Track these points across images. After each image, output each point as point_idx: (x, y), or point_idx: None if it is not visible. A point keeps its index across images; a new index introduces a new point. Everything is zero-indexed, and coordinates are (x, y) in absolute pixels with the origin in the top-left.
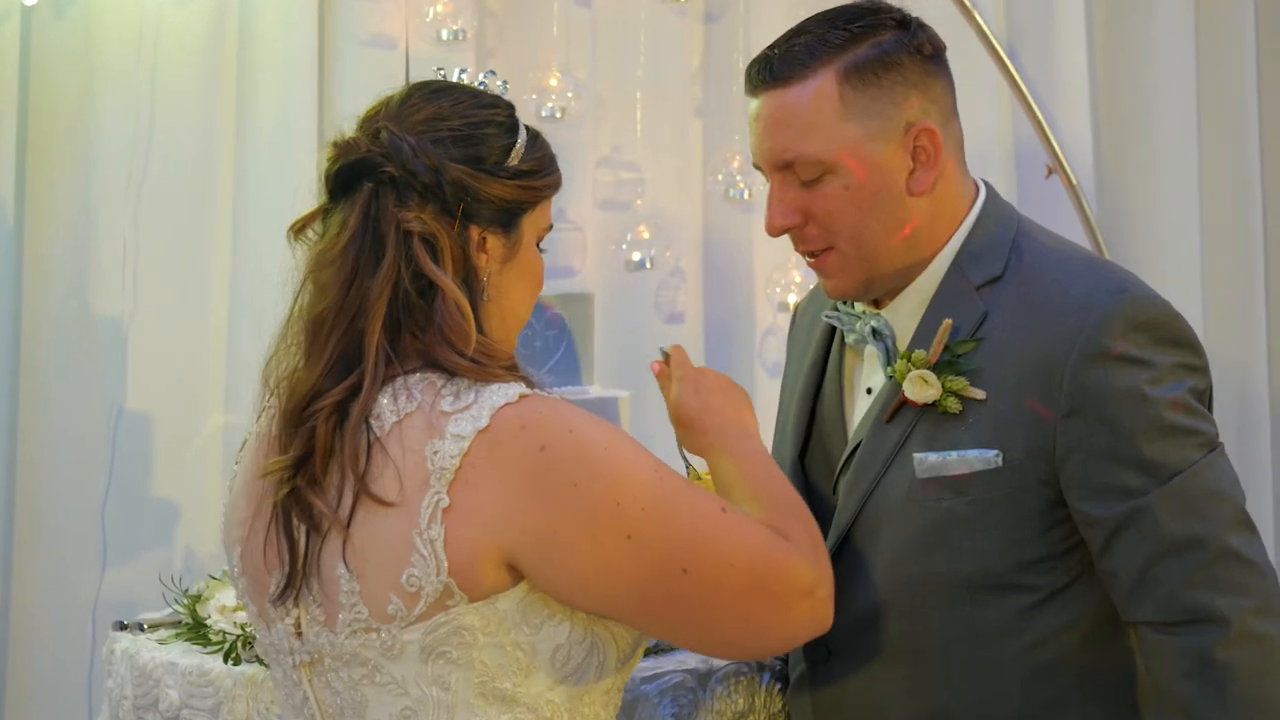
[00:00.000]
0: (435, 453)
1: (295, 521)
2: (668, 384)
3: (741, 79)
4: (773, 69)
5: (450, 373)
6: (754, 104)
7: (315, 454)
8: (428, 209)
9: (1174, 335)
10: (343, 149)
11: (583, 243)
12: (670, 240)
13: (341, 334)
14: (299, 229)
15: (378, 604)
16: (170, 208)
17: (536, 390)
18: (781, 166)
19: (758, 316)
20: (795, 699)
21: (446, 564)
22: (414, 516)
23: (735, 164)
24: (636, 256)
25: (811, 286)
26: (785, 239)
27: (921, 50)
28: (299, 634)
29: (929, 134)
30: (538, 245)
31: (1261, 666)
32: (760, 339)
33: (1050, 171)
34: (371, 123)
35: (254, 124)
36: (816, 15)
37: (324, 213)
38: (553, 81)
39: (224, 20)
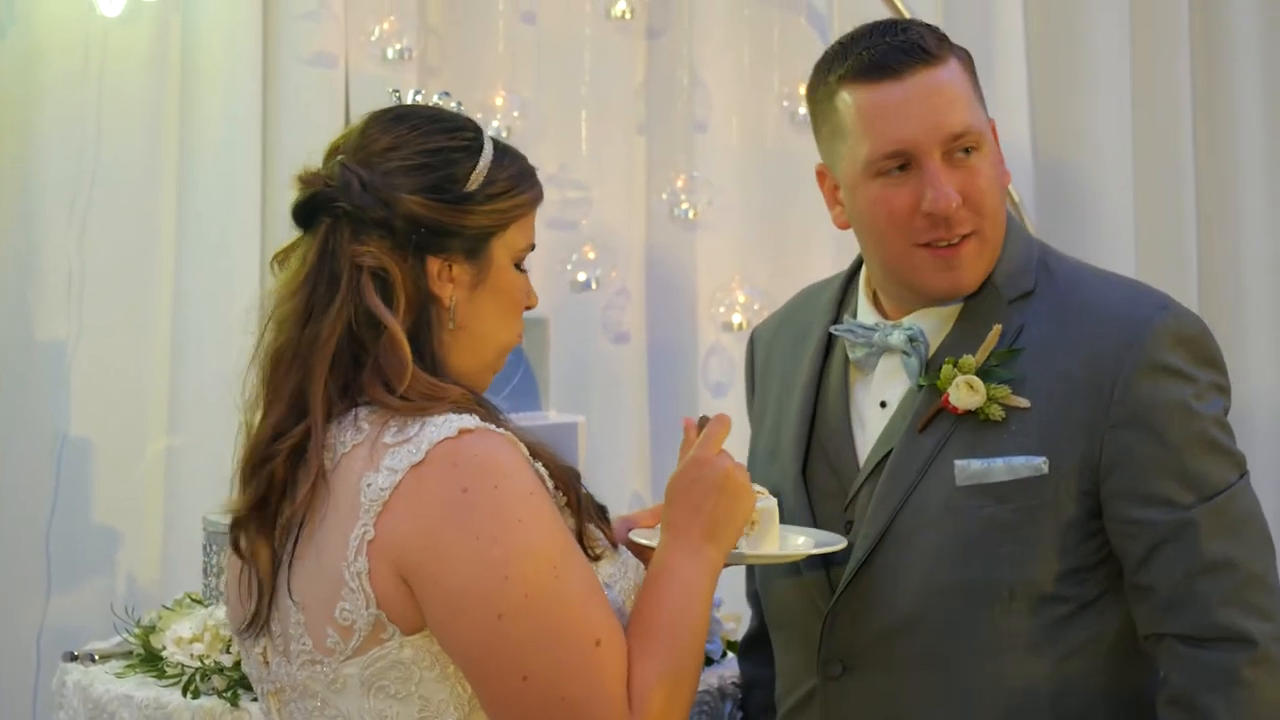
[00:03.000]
0: (368, 485)
1: (259, 558)
2: (685, 451)
3: (684, 96)
4: (924, 48)
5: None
6: (899, 88)
7: (271, 496)
8: (382, 242)
9: (1210, 354)
10: (305, 183)
11: (529, 262)
12: (615, 259)
13: (299, 370)
14: (281, 259)
15: (319, 636)
16: (114, 230)
17: (487, 425)
18: (949, 141)
19: (701, 336)
20: (798, 717)
21: (374, 596)
22: (343, 549)
23: (680, 183)
24: (582, 277)
25: (757, 307)
26: (730, 258)
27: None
28: (266, 663)
29: (995, 134)
30: (518, 266)
31: (1275, 692)
32: (704, 358)
33: None
34: (333, 154)
35: (197, 145)
36: (889, 20)
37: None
38: (498, 100)
39: (167, 41)
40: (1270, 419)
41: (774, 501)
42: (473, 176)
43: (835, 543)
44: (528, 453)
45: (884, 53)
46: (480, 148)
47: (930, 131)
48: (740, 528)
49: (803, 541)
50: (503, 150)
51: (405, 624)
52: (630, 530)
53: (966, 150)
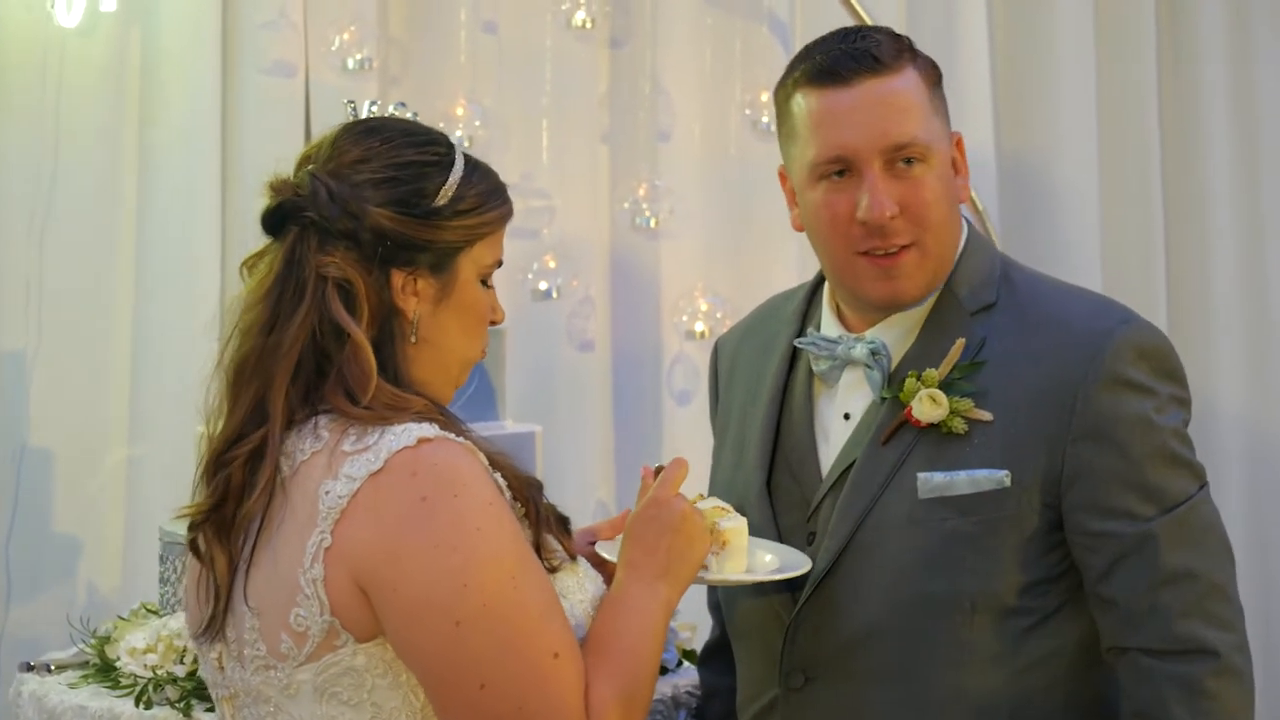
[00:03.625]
0: (327, 493)
1: (216, 562)
2: (643, 496)
3: (647, 105)
4: (875, 57)
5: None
6: (846, 95)
7: (228, 500)
8: (348, 254)
9: (1171, 367)
10: (275, 191)
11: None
12: (578, 268)
13: (261, 378)
14: (251, 265)
15: (273, 642)
16: (74, 240)
17: (446, 434)
18: (890, 151)
19: (665, 344)
20: None
21: (328, 603)
22: (300, 556)
23: (642, 192)
24: (543, 286)
25: (720, 315)
26: (692, 266)
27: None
28: (221, 668)
29: (960, 147)
30: (485, 281)
31: (1238, 703)
32: (668, 367)
33: None
34: (304, 164)
35: (157, 154)
36: (855, 27)
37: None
38: (459, 110)
39: (126, 50)
40: (1237, 428)
41: (743, 522)
42: (442, 192)
43: (800, 565)
44: (487, 462)
45: (836, 59)
46: (451, 163)
47: (872, 140)
48: (696, 567)
49: (770, 559)
50: (474, 166)
51: (359, 631)
52: (590, 541)
53: (909, 160)
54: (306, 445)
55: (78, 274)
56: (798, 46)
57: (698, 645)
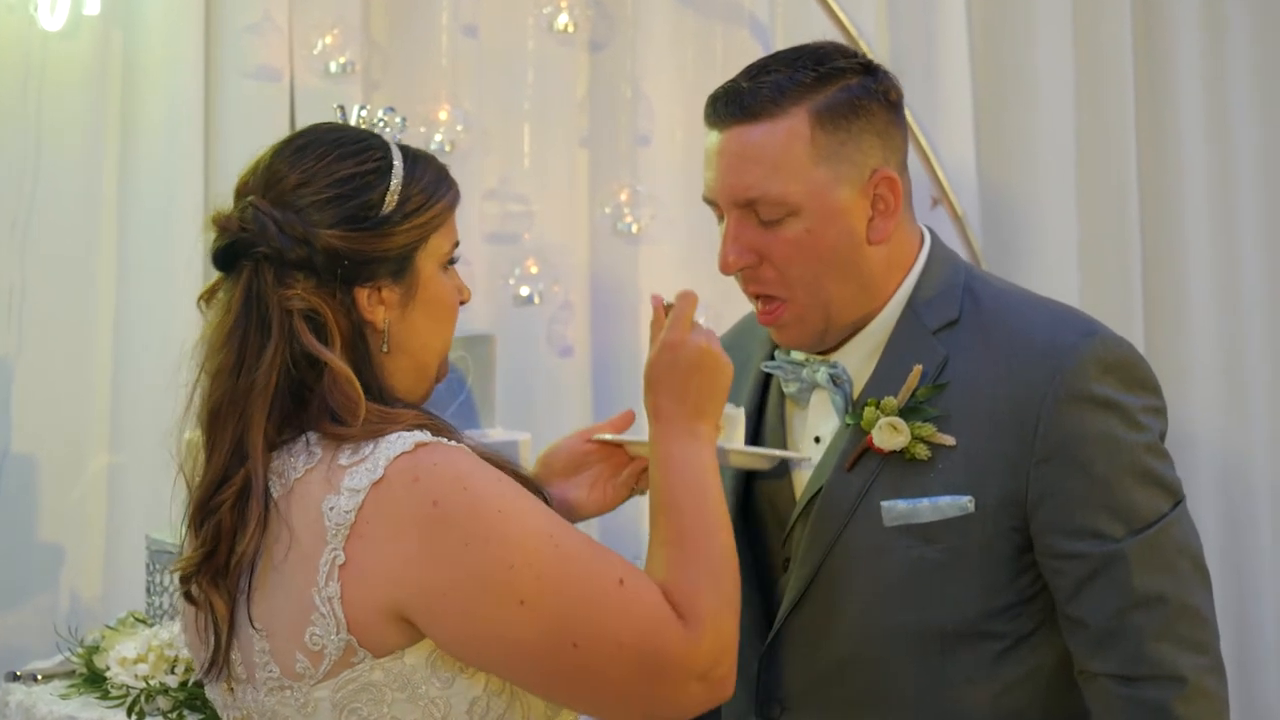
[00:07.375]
0: (332, 509)
1: (215, 606)
2: (656, 335)
3: (627, 109)
4: (743, 104)
5: None
6: (716, 137)
7: (220, 546)
8: (307, 282)
9: (1141, 378)
10: (221, 227)
11: (471, 278)
12: (558, 273)
13: (236, 420)
14: (208, 297)
15: (287, 662)
16: (55, 246)
17: (438, 438)
18: (743, 204)
19: (644, 350)
20: None
21: (345, 621)
22: (312, 574)
23: (623, 197)
24: (525, 292)
25: (701, 321)
26: (673, 272)
27: (887, 96)
28: (230, 691)
29: (889, 182)
30: (449, 264)
31: None
32: None
33: (935, 202)
34: (242, 195)
35: (139, 159)
36: (782, 53)
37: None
38: (442, 115)
39: (109, 54)
40: (1211, 435)
41: (740, 411)
42: (387, 199)
43: (800, 460)
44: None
45: (716, 97)
46: (390, 166)
47: (722, 190)
48: (724, 399)
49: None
50: (413, 160)
51: (376, 648)
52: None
53: (765, 221)
54: (299, 462)
55: (59, 279)
56: (778, 49)
57: None
